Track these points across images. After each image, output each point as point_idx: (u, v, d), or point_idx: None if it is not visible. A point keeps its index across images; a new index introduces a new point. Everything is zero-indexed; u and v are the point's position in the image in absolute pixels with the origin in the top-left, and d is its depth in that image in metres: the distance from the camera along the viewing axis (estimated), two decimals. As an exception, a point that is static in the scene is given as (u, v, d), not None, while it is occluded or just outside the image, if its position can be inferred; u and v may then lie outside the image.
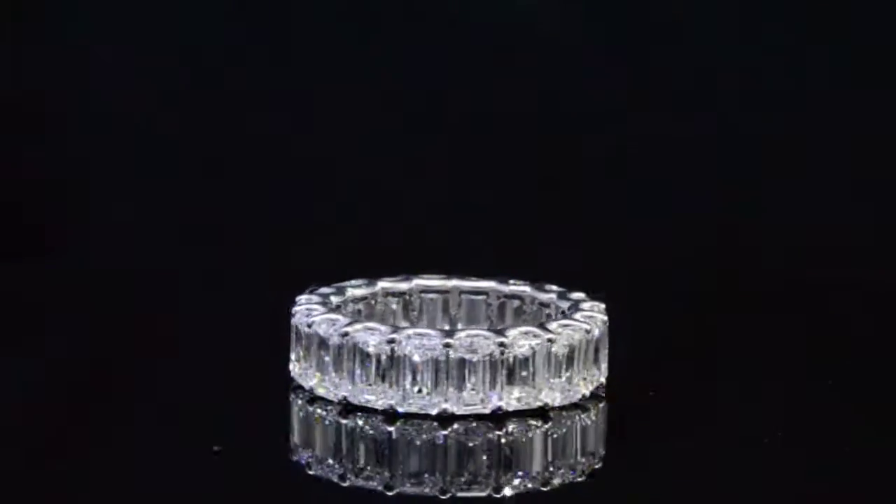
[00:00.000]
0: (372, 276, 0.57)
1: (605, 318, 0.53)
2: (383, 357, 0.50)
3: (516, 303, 0.57)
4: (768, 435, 0.51)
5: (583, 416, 0.51)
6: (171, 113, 0.76)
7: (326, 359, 0.51)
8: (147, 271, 0.70)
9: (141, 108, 0.76)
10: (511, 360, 0.50)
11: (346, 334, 0.51)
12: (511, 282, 0.57)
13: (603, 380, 0.53)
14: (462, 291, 0.58)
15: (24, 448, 0.49)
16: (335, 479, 0.47)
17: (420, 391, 0.50)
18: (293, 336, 0.53)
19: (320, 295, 0.55)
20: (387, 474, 0.47)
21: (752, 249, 0.73)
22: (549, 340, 0.51)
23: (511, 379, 0.50)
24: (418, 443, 0.49)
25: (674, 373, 0.57)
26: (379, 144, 0.76)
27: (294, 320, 0.53)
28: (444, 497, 0.46)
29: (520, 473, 0.47)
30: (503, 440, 0.49)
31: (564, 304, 0.55)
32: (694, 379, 0.57)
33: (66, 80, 0.76)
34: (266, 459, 0.49)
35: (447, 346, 0.50)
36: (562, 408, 0.51)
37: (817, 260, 0.72)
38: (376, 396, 0.50)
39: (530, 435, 0.50)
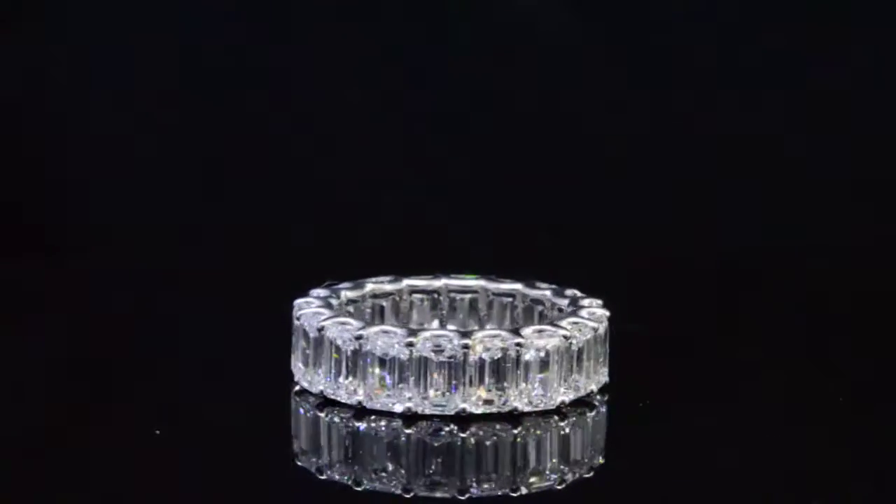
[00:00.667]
0: (361, 276, 0.57)
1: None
2: (402, 358, 0.50)
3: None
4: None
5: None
6: (170, 113, 0.76)
7: (339, 363, 0.51)
8: (147, 271, 0.70)
9: (141, 108, 0.76)
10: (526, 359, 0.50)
11: (360, 337, 0.50)
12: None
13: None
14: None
15: (25, 448, 0.49)
16: (350, 483, 0.47)
17: (438, 392, 0.50)
18: (300, 339, 0.52)
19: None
20: (403, 477, 0.47)
21: (752, 249, 0.74)
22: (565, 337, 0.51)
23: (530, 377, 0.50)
24: (436, 444, 0.49)
25: (674, 372, 0.57)
26: (378, 144, 0.76)
27: (303, 325, 0.52)
28: (462, 498, 0.46)
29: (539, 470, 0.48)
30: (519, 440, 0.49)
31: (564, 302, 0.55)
32: (694, 378, 0.57)
33: (66, 80, 0.76)
34: (272, 462, 0.49)
35: (465, 346, 0.50)
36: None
37: (817, 260, 0.72)
38: (395, 399, 0.50)
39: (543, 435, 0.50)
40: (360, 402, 0.50)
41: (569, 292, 0.55)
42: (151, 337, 0.61)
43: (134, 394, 0.54)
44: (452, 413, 0.50)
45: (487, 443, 0.49)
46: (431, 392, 0.50)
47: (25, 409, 0.53)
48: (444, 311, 0.57)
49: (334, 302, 0.54)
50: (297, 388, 0.53)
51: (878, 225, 0.74)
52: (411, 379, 0.50)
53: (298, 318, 0.52)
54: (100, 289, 0.68)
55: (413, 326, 0.56)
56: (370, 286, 0.57)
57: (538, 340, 0.50)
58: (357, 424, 0.50)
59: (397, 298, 0.57)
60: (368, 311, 0.56)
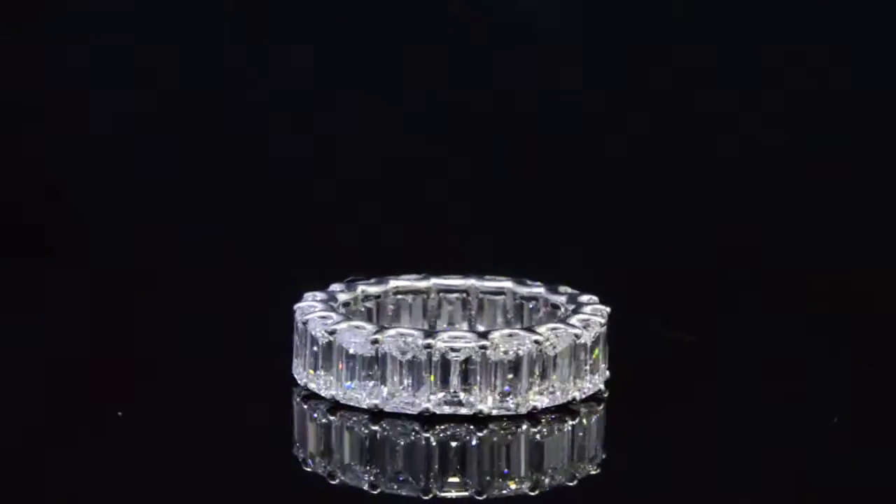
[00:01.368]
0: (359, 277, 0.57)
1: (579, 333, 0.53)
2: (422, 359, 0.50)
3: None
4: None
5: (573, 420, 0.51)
6: (170, 112, 0.76)
7: (355, 367, 0.51)
8: (147, 271, 0.70)
9: (141, 108, 0.76)
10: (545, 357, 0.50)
11: (375, 341, 0.50)
12: (561, 288, 0.57)
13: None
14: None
15: (25, 448, 0.49)
16: (365, 487, 0.47)
17: (456, 392, 0.50)
18: (308, 345, 0.52)
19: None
20: (421, 479, 0.47)
21: (752, 249, 0.74)
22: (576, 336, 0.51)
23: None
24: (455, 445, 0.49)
25: (673, 372, 0.57)
26: (378, 144, 0.76)
27: (313, 331, 0.52)
28: (480, 498, 0.46)
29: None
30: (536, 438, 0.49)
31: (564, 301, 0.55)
32: (694, 379, 0.57)
33: (66, 80, 0.76)
34: (275, 462, 0.49)
35: (483, 347, 0.50)
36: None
37: (817, 259, 0.72)
38: (416, 399, 0.50)
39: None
40: (376, 406, 0.50)
41: (562, 289, 0.55)
42: (151, 337, 0.61)
43: (134, 394, 0.54)
44: (470, 414, 0.50)
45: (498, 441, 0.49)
46: (444, 393, 0.50)
47: (25, 409, 0.53)
48: (433, 313, 0.58)
49: (334, 303, 0.54)
50: (302, 392, 0.53)
51: (879, 226, 0.75)
52: (429, 379, 0.50)
53: (305, 323, 0.52)
54: (100, 289, 0.68)
55: (421, 328, 0.56)
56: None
57: (556, 339, 0.51)
58: (373, 427, 0.50)
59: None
60: (362, 310, 0.56)
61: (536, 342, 0.50)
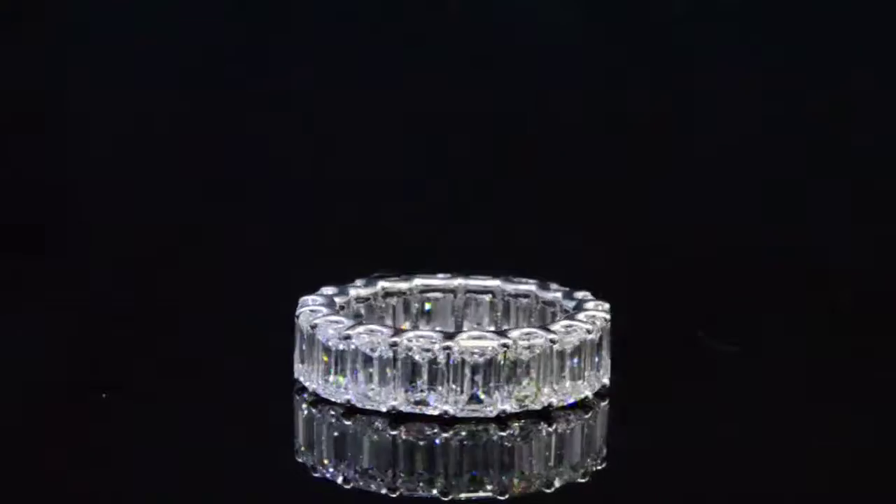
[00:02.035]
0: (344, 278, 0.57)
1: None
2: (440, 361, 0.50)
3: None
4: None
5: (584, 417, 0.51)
6: (170, 112, 0.76)
7: (371, 372, 0.50)
8: (147, 271, 0.70)
9: (141, 108, 0.76)
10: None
11: (395, 344, 0.50)
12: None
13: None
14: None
15: (25, 448, 0.49)
16: (384, 491, 0.47)
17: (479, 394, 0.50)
18: (318, 351, 0.52)
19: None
20: (442, 482, 0.47)
21: (753, 249, 0.74)
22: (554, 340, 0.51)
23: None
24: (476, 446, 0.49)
25: (673, 372, 0.57)
26: (378, 144, 0.76)
27: (322, 337, 0.51)
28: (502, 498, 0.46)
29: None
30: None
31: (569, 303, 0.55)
32: (694, 379, 0.57)
33: (66, 80, 0.76)
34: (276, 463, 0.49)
35: (504, 346, 0.50)
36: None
37: (817, 259, 0.72)
38: (440, 399, 0.50)
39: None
40: (393, 408, 0.50)
41: (579, 294, 0.55)
42: (151, 337, 0.61)
43: (134, 394, 0.54)
44: (493, 415, 0.50)
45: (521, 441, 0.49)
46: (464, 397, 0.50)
47: (25, 409, 0.53)
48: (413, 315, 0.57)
49: (339, 300, 0.54)
50: (305, 392, 0.52)
51: (879, 226, 0.75)
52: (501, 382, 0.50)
53: (353, 342, 0.51)
54: (100, 289, 0.68)
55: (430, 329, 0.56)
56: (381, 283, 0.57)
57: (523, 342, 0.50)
58: (393, 432, 0.50)
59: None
60: (357, 310, 0.56)
61: (552, 341, 0.50)
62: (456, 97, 0.76)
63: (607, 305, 0.53)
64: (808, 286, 0.69)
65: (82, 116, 0.76)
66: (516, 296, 0.57)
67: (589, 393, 0.52)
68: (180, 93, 0.76)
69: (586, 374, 0.51)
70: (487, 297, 0.57)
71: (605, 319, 0.52)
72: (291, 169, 0.76)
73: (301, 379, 0.52)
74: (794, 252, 0.73)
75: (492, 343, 0.50)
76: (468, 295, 0.57)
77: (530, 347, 0.50)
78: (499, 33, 0.77)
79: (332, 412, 0.51)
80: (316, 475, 0.47)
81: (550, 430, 0.50)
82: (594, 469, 0.48)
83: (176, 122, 0.76)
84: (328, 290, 0.55)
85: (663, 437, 0.51)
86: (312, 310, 0.52)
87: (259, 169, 0.76)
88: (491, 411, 0.50)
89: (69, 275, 0.70)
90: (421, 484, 0.47)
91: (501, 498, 0.46)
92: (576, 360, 0.51)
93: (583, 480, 0.47)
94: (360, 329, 0.50)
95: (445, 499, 0.46)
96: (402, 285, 0.57)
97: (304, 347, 0.52)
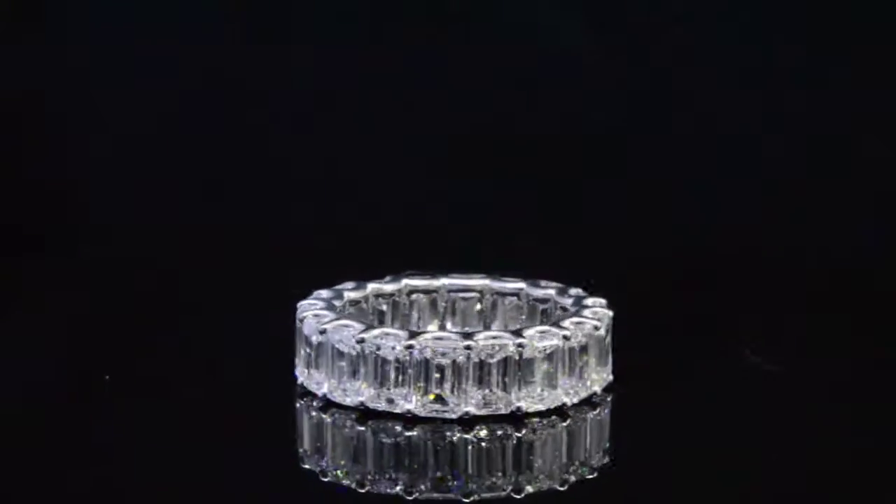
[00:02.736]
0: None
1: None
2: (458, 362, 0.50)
3: (512, 300, 0.57)
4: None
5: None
6: (170, 112, 0.76)
7: (390, 374, 0.50)
8: (147, 271, 0.70)
9: (141, 108, 0.76)
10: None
11: (410, 347, 0.50)
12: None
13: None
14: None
15: (25, 448, 0.49)
16: (400, 493, 0.47)
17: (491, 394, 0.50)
18: (328, 355, 0.52)
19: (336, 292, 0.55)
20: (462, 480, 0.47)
21: (753, 249, 0.74)
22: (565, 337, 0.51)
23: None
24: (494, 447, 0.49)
25: (673, 372, 0.57)
26: (378, 144, 0.76)
27: (332, 340, 0.51)
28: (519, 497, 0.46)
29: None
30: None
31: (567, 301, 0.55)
32: (694, 378, 0.57)
33: (66, 80, 0.76)
34: (280, 465, 0.49)
35: (520, 346, 0.50)
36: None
37: (817, 259, 0.72)
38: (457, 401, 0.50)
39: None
40: (409, 411, 0.50)
41: (573, 291, 0.56)
42: (151, 337, 0.61)
43: (134, 393, 0.54)
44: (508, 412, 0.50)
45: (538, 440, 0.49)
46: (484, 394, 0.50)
47: (25, 409, 0.53)
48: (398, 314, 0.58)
49: (338, 303, 0.54)
50: (321, 405, 0.52)
51: (879, 226, 0.75)
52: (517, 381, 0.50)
53: (362, 342, 0.51)
54: (100, 289, 0.68)
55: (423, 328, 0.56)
56: (370, 286, 0.57)
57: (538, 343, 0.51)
58: (407, 434, 0.50)
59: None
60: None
61: (565, 337, 0.51)
62: (455, 95, 0.76)
63: (604, 301, 0.54)
64: (807, 286, 0.69)
65: (82, 116, 0.76)
66: (504, 294, 0.57)
67: (598, 388, 0.52)
68: (180, 93, 0.76)
69: (594, 371, 0.52)
70: (475, 296, 0.57)
71: (609, 316, 0.53)
72: (291, 169, 0.76)
73: (306, 384, 0.52)
74: (793, 252, 0.73)
75: (509, 342, 0.50)
76: (452, 294, 0.58)
77: (544, 346, 0.50)
78: (499, 33, 0.77)
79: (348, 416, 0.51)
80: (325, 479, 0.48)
81: (564, 425, 0.50)
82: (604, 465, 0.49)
83: (176, 122, 0.76)
84: (323, 293, 0.55)
85: (668, 434, 0.51)
86: (316, 314, 0.52)
87: (259, 169, 0.76)
88: (504, 410, 0.50)
89: (69, 275, 0.70)
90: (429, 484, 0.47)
91: (517, 496, 0.46)
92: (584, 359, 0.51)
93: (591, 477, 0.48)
94: (375, 332, 0.50)
95: (467, 500, 0.46)
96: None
97: (308, 351, 0.52)
